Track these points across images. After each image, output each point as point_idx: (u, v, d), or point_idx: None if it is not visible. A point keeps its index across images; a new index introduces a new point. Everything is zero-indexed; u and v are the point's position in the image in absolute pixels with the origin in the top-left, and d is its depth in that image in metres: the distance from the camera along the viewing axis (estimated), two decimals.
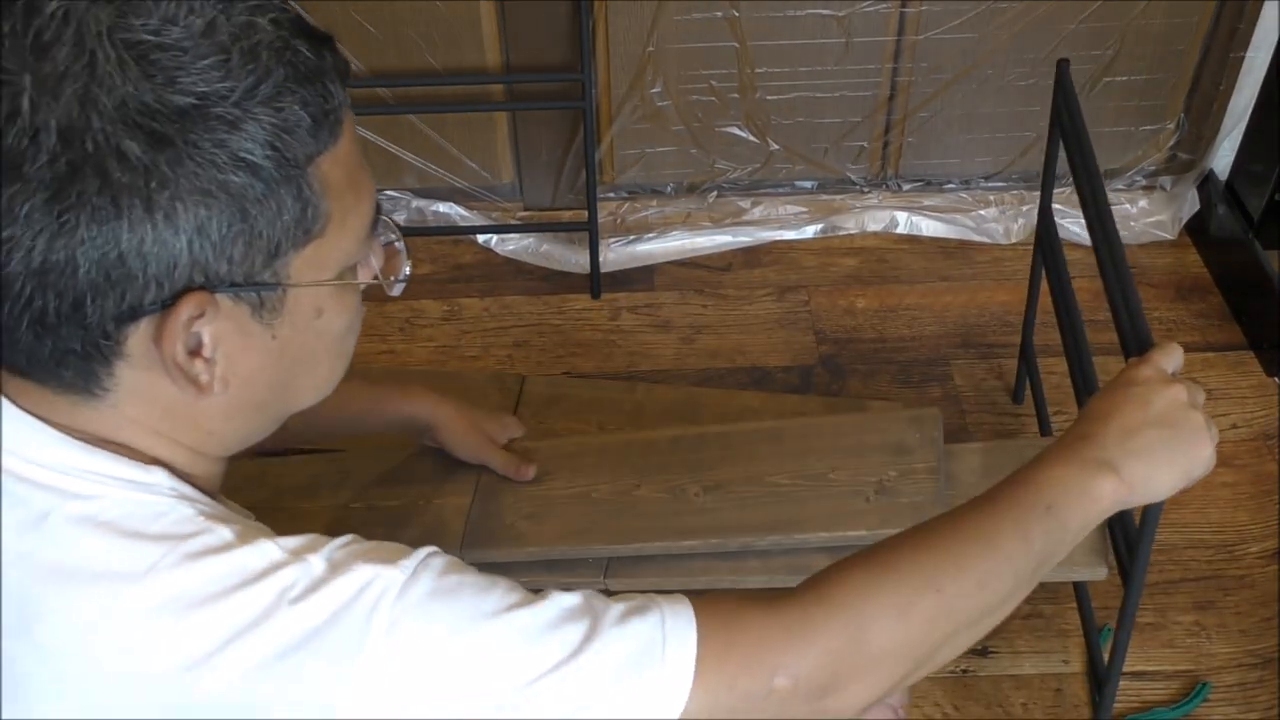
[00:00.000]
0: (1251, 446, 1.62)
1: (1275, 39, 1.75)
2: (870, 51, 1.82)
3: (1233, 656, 1.40)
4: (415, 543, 0.68)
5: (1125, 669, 1.38)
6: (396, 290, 0.76)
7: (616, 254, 1.91)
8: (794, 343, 1.80)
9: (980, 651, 1.40)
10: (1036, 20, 1.77)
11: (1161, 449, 0.82)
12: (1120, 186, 1.97)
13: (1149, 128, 1.92)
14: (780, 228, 1.96)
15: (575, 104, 1.76)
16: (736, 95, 1.86)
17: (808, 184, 1.99)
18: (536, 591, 0.69)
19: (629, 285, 1.90)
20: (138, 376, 0.64)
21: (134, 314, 0.61)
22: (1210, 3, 1.78)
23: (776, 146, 1.92)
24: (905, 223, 1.97)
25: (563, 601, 0.68)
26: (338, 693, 0.62)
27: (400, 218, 1.96)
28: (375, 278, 0.73)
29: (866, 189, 1.98)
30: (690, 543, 1.28)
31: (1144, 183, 1.98)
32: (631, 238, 1.93)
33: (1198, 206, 1.93)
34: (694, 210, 1.97)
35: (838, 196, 1.98)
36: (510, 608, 0.66)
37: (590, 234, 1.82)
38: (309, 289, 0.66)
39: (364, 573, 0.64)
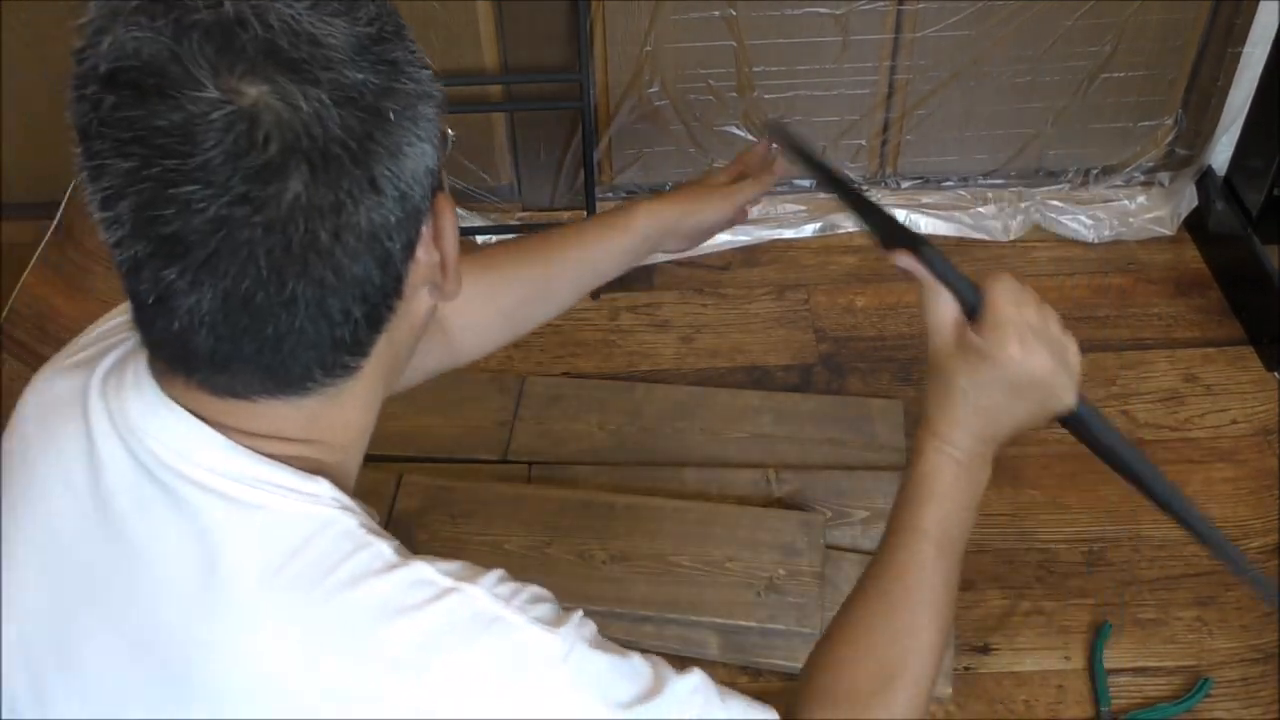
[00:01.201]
0: (1252, 442, 1.63)
1: (1273, 34, 1.75)
2: (868, 50, 1.82)
3: (1234, 651, 1.40)
4: None
5: (1128, 665, 1.38)
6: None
7: None
8: (794, 341, 1.80)
9: (982, 649, 1.40)
10: (1034, 17, 1.77)
11: (1026, 415, 0.93)
12: (1119, 183, 1.97)
13: (1147, 123, 1.92)
14: (779, 226, 1.96)
15: (573, 104, 1.76)
16: (735, 94, 1.86)
17: (806, 182, 1.99)
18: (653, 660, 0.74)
19: (628, 285, 1.90)
20: (392, 323, 0.66)
21: (416, 238, 0.65)
22: None
23: (775, 145, 1.92)
24: (904, 220, 1.97)
25: (685, 684, 0.72)
26: None
27: None
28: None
29: (865, 187, 1.98)
30: (597, 608, 1.36)
31: (1142, 179, 1.98)
32: None
33: (1196, 202, 1.93)
34: None
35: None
36: (643, 698, 0.69)
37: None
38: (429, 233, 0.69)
39: (526, 634, 0.66)
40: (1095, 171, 1.97)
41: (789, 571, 1.42)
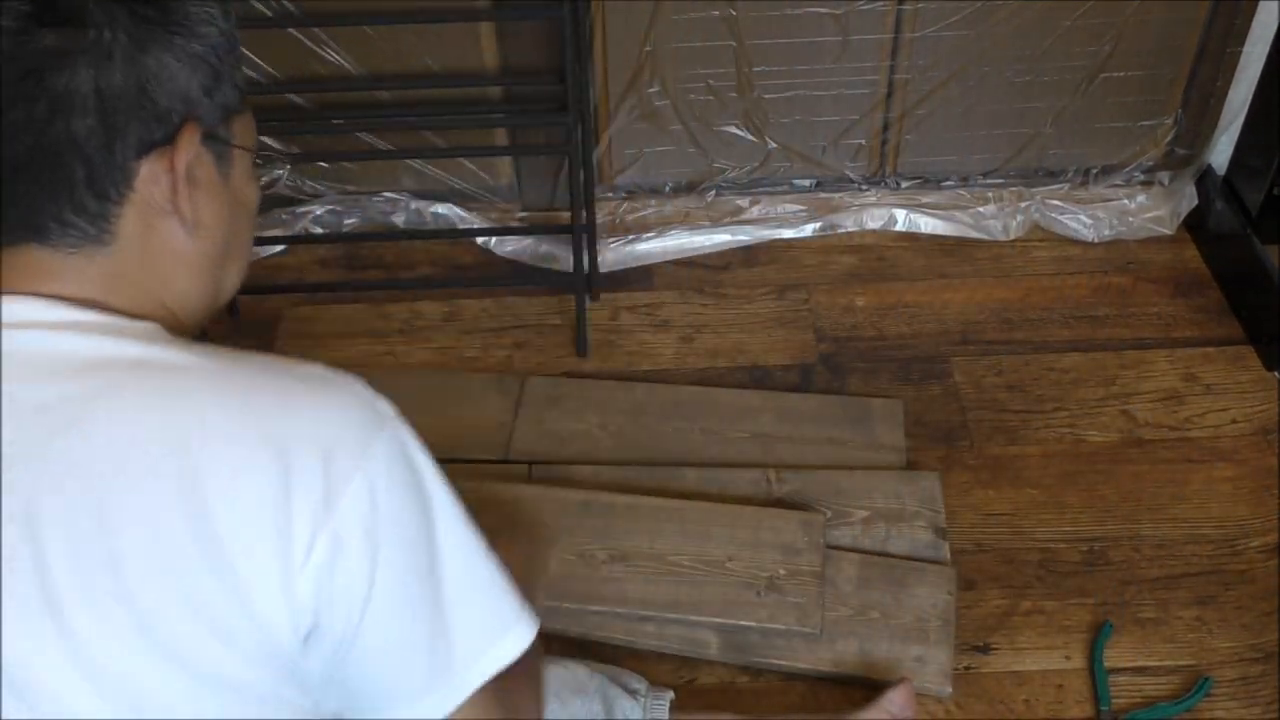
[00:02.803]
0: (1251, 441, 1.63)
1: (1272, 34, 1.75)
2: (868, 49, 1.82)
3: (1234, 651, 1.40)
4: None
5: (1128, 664, 1.38)
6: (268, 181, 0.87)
7: (616, 254, 1.91)
8: (794, 341, 1.80)
9: (982, 648, 1.40)
10: (1033, 17, 1.78)
11: None
12: (1118, 182, 1.97)
13: (1147, 123, 1.92)
14: (779, 226, 1.96)
15: (561, 120, 1.71)
16: (734, 94, 1.86)
17: (806, 182, 1.99)
18: None
19: (628, 285, 1.90)
20: (136, 222, 0.71)
21: (149, 147, 0.70)
22: None
23: (775, 145, 1.92)
24: (904, 220, 1.97)
25: None
26: None
27: (399, 219, 1.96)
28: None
29: (865, 187, 1.98)
30: (597, 608, 1.40)
31: (1142, 178, 1.98)
32: (630, 237, 1.93)
33: (1196, 201, 1.93)
34: (692, 209, 1.97)
35: (836, 194, 1.98)
36: None
37: (588, 236, 1.82)
38: (243, 155, 0.77)
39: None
40: (1095, 171, 1.97)
41: (789, 571, 1.42)
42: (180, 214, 0.73)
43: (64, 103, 0.68)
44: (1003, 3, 1.76)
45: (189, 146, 0.72)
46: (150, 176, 0.71)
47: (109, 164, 0.70)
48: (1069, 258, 1.93)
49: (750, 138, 1.91)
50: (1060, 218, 1.95)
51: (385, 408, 0.75)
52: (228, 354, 0.70)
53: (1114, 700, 1.35)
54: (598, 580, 1.42)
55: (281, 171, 1.91)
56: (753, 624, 1.39)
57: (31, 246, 0.70)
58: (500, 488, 1.52)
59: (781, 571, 1.42)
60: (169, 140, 0.71)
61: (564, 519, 1.47)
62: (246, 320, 1.83)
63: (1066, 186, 1.97)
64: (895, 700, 1.28)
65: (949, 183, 1.99)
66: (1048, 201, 1.96)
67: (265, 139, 1.85)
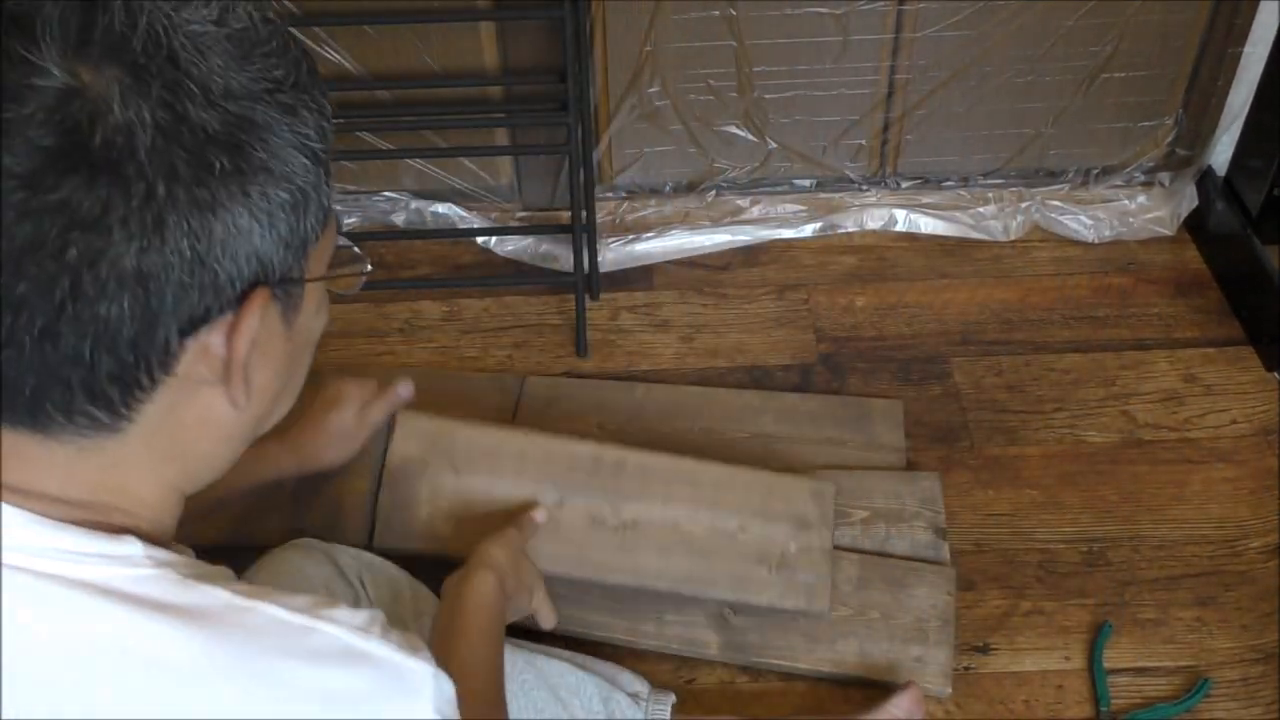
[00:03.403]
0: (1251, 442, 1.63)
1: (1273, 34, 1.75)
2: (868, 49, 1.82)
3: (1234, 652, 1.40)
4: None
5: (1127, 665, 1.38)
6: (358, 286, 0.73)
7: (615, 254, 1.91)
8: (794, 341, 1.80)
9: (981, 649, 1.40)
10: (1034, 17, 1.77)
11: None
12: (1119, 183, 1.97)
13: (1147, 124, 1.92)
14: (779, 226, 1.96)
15: (562, 121, 1.72)
16: (735, 94, 1.86)
17: (806, 182, 1.99)
18: None
19: (628, 285, 1.90)
20: (168, 401, 0.60)
21: (204, 320, 0.58)
22: (1208, 0, 1.78)
23: (775, 145, 1.92)
24: (904, 220, 1.97)
25: None
26: None
27: (399, 219, 1.96)
28: (349, 274, 0.72)
29: (865, 187, 1.98)
30: (613, 579, 1.37)
31: (1142, 179, 1.98)
32: (630, 237, 1.93)
33: (1196, 202, 1.93)
34: (693, 209, 1.97)
35: (836, 195, 1.98)
36: None
37: (588, 235, 1.82)
38: (317, 284, 0.65)
39: (392, 661, 0.62)
40: (1095, 171, 1.97)
41: (800, 547, 1.37)
42: (233, 392, 0.61)
43: (90, 285, 0.53)
44: (1003, 3, 1.76)
45: (256, 319, 0.59)
46: (198, 353, 0.59)
47: (144, 352, 0.56)
48: (1069, 258, 1.92)
49: (750, 138, 1.91)
50: (1060, 218, 1.95)
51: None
52: (231, 624, 0.59)
53: (1113, 701, 1.35)
54: (610, 549, 1.37)
55: None
56: (764, 603, 1.36)
57: (22, 433, 0.58)
58: (505, 435, 1.45)
59: (793, 547, 1.38)
60: (229, 308, 0.58)
61: (574, 475, 1.40)
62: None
63: (1067, 187, 1.97)
64: (902, 704, 1.28)
65: (949, 183, 1.99)
66: (1048, 202, 1.96)
67: None
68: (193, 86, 0.55)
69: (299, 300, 0.63)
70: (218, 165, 0.55)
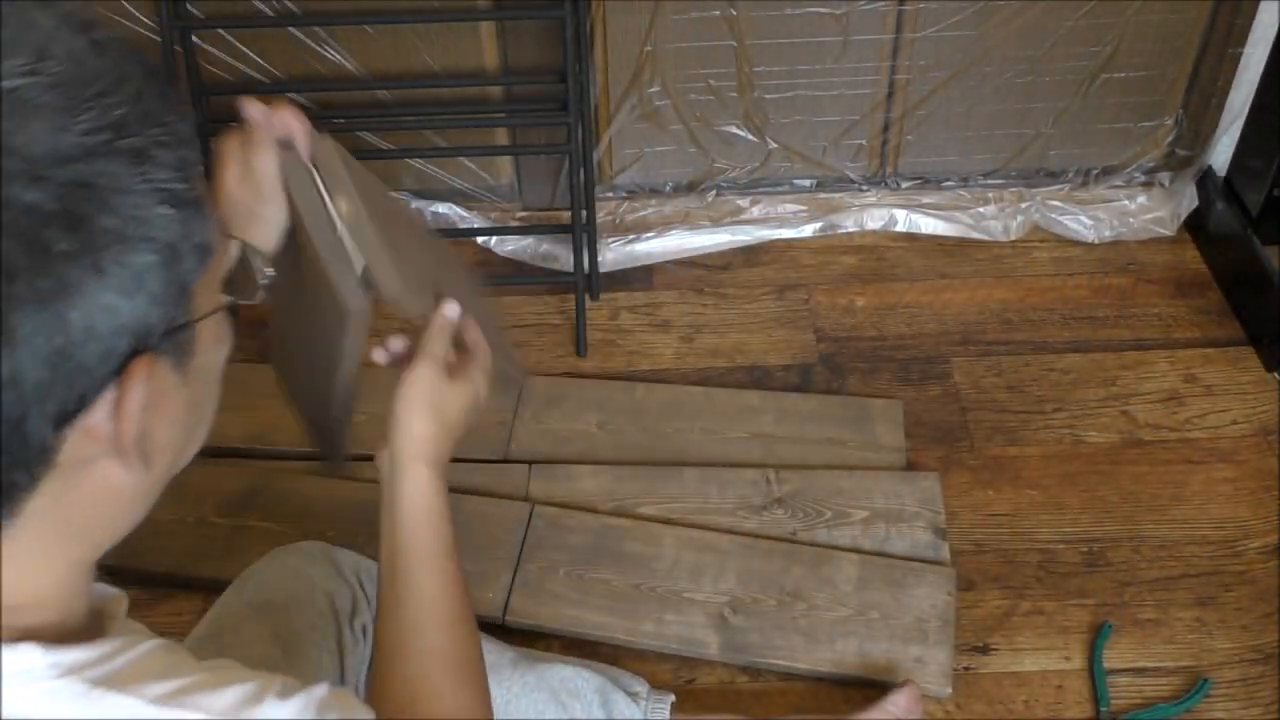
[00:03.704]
0: (1252, 442, 1.63)
1: (1273, 35, 1.75)
2: (868, 49, 1.82)
3: (1234, 652, 1.40)
4: None
5: (1127, 665, 1.38)
6: (262, 295, 0.67)
7: (616, 254, 1.91)
8: (794, 341, 1.80)
9: (981, 649, 1.40)
10: (1034, 17, 1.77)
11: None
12: (1119, 183, 1.97)
13: (1147, 124, 1.92)
14: (779, 226, 1.96)
15: (563, 121, 1.73)
16: (735, 94, 1.86)
17: (806, 182, 1.99)
18: None
19: (628, 285, 1.90)
20: (56, 488, 0.54)
21: (80, 408, 0.51)
22: (1208, 0, 1.78)
23: (775, 145, 1.92)
24: (904, 220, 1.97)
25: None
26: None
27: None
28: (247, 285, 0.65)
29: (865, 187, 1.98)
30: None
31: (1143, 179, 1.98)
32: (630, 237, 1.93)
33: (1196, 202, 1.93)
34: (693, 209, 1.97)
35: (836, 195, 1.98)
36: None
37: (588, 235, 1.82)
38: (210, 318, 0.58)
39: None
40: (1095, 172, 1.97)
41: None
42: (126, 463, 0.55)
43: None
44: (1004, 3, 1.76)
45: (140, 391, 0.53)
46: (82, 436, 0.53)
47: (15, 455, 0.51)
48: (1069, 258, 1.92)
49: (751, 138, 1.91)
50: (1060, 218, 1.95)
51: None
52: None
53: (1113, 701, 1.35)
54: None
55: None
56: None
57: None
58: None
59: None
60: (108, 385, 0.52)
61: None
62: (246, 320, 1.83)
63: (1067, 187, 1.97)
64: (899, 701, 1.28)
65: (949, 183, 1.99)
66: (1048, 202, 1.96)
67: None
68: (14, 162, 0.47)
69: (190, 345, 0.57)
70: (59, 247, 0.48)
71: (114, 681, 0.56)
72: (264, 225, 0.85)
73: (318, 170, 0.87)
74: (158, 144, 0.52)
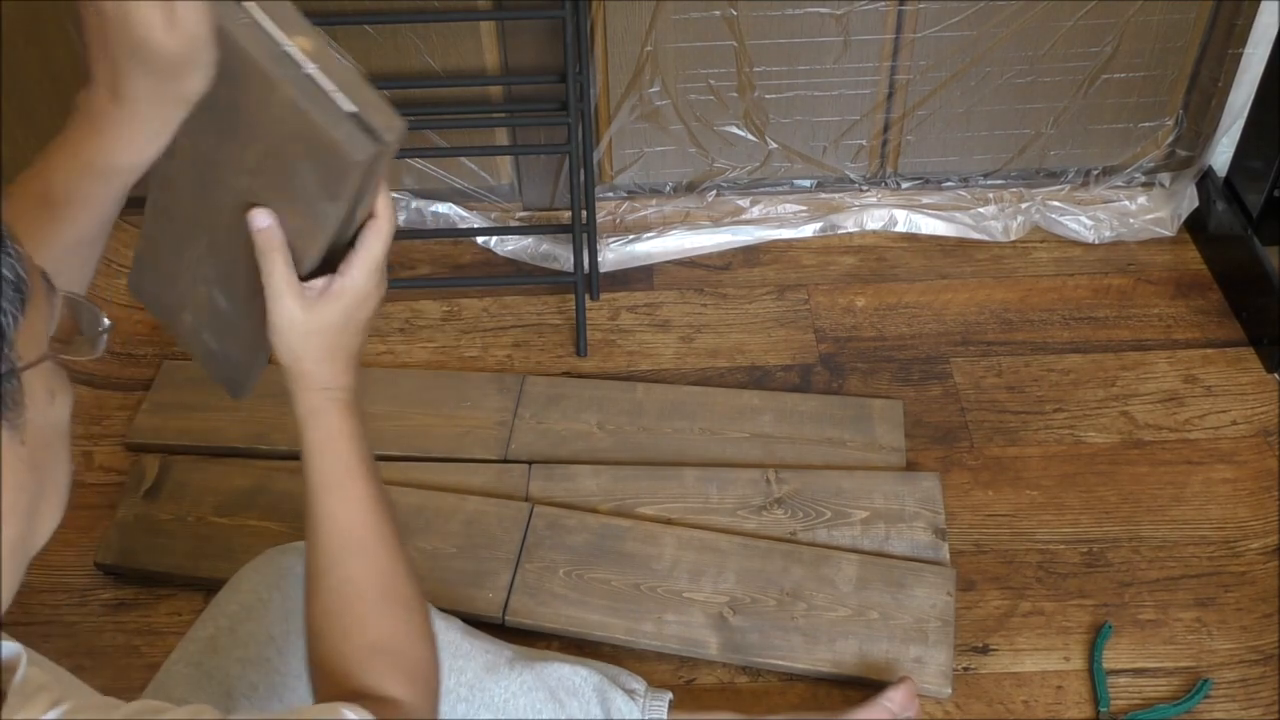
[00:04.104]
0: (1252, 443, 1.62)
1: (1273, 35, 1.75)
2: (868, 50, 1.82)
3: (1234, 653, 1.40)
4: None
5: (1127, 665, 1.38)
6: (101, 346, 0.63)
7: (616, 254, 1.91)
8: (794, 341, 1.80)
9: (981, 649, 1.40)
10: (1035, 17, 1.77)
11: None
12: (1119, 183, 1.97)
13: (1147, 124, 1.92)
14: (779, 226, 1.96)
15: (564, 121, 1.73)
16: (735, 94, 1.86)
17: (806, 182, 1.99)
18: None
19: (628, 285, 1.90)
20: None
21: None
22: (1208, 0, 1.78)
23: (775, 145, 1.92)
24: (904, 221, 1.97)
25: None
26: None
27: (399, 219, 1.96)
28: (81, 340, 0.62)
29: (865, 187, 1.98)
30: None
31: (1143, 179, 1.98)
32: (630, 237, 1.93)
33: (1196, 203, 1.93)
34: (693, 209, 1.97)
35: (837, 195, 1.98)
36: None
37: (588, 235, 1.82)
38: (38, 370, 0.55)
39: None
40: (1096, 172, 1.97)
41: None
42: None
43: None
44: (1004, 3, 1.76)
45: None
46: None
47: None
48: (1069, 259, 1.92)
49: (751, 138, 1.91)
50: (1061, 219, 1.95)
51: None
52: None
53: (1113, 701, 1.35)
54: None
55: None
56: None
57: None
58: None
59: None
60: None
61: None
62: None
63: (1067, 188, 1.97)
64: (895, 698, 1.28)
65: (949, 183, 1.99)
66: (1048, 202, 1.96)
67: None
68: None
69: (17, 395, 0.54)
70: None
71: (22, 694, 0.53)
72: (188, 82, 0.70)
73: (260, 6, 0.70)
74: None
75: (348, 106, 0.69)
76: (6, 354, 0.52)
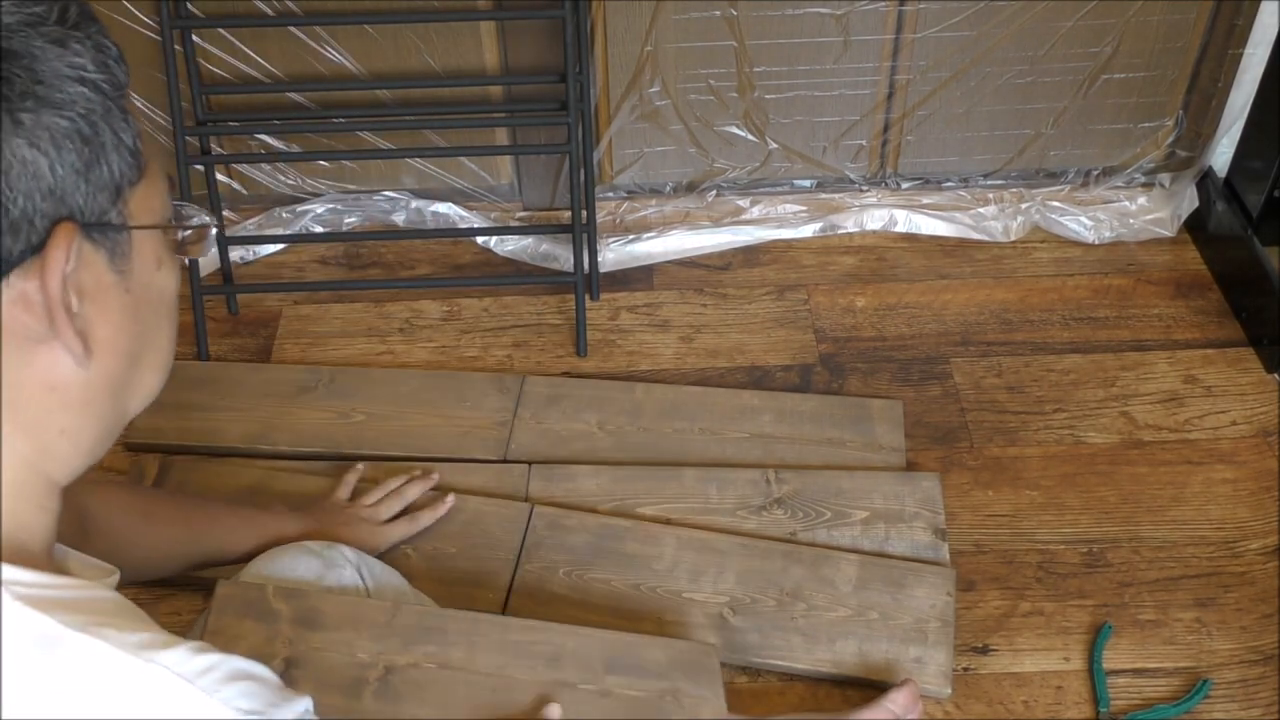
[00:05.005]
0: (1252, 443, 1.63)
1: (1274, 35, 1.75)
2: (868, 50, 1.82)
3: (1234, 653, 1.40)
4: None
5: (1127, 666, 1.38)
6: (207, 249, 0.70)
7: (616, 254, 1.91)
8: (793, 341, 1.80)
9: (981, 649, 1.40)
10: (1035, 17, 1.78)
11: None
12: (1119, 184, 1.97)
13: (1147, 125, 1.92)
14: (779, 226, 1.96)
15: (564, 121, 1.73)
16: (735, 94, 1.86)
17: (806, 183, 1.99)
18: None
19: (628, 285, 1.90)
20: (7, 364, 0.58)
21: (13, 264, 0.56)
22: (1208, 0, 1.78)
23: (775, 145, 1.92)
24: (904, 221, 1.97)
25: None
26: None
27: (399, 219, 1.96)
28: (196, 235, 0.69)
29: (865, 187, 1.98)
30: None
31: (1143, 180, 1.98)
32: (630, 237, 1.93)
33: (1197, 203, 1.93)
34: (693, 209, 1.97)
35: (837, 195, 1.98)
36: None
37: (588, 235, 1.82)
38: (149, 235, 0.63)
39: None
40: (1096, 172, 1.97)
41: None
42: (64, 339, 0.58)
43: None
44: (1004, 3, 1.76)
45: (63, 255, 0.57)
46: (17, 302, 0.57)
47: None
48: (1069, 259, 1.92)
49: (751, 138, 1.91)
50: (1061, 219, 1.95)
51: None
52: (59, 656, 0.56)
53: (1113, 702, 1.35)
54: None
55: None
56: None
57: None
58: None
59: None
60: (36, 250, 0.56)
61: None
62: (246, 319, 1.83)
63: (1067, 188, 1.97)
64: (898, 700, 1.28)
65: (949, 184, 1.99)
66: (1048, 203, 1.96)
67: (265, 138, 1.85)
68: None
69: (125, 247, 0.61)
70: None
71: (40, 603, 0.57)
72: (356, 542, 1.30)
73: None
74: (76, 40, 0.57)
75: None
76: (120, 208, 0.60)
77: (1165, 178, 1.97)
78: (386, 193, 1.95)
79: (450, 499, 1.46)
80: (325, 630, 1.12)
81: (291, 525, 1.27)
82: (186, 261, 0.72)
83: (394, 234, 1.96)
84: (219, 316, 1.83)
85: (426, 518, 1.44)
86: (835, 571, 1.44)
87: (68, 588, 0.59)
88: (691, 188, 1.97)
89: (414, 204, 1.96)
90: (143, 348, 0.65)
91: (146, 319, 0.64)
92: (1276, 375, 1.72)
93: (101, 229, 0.59)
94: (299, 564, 1.15)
